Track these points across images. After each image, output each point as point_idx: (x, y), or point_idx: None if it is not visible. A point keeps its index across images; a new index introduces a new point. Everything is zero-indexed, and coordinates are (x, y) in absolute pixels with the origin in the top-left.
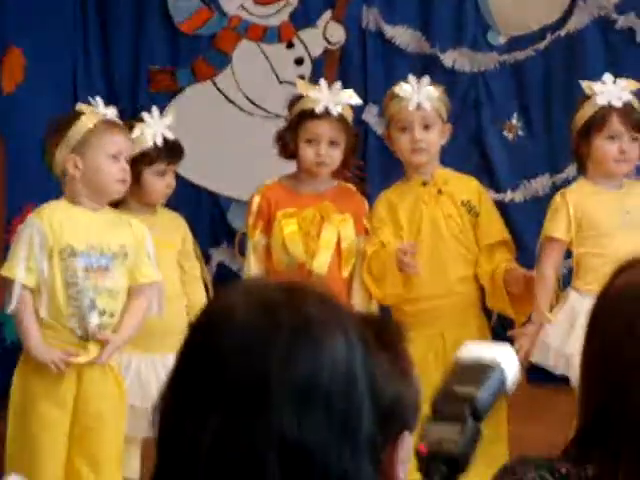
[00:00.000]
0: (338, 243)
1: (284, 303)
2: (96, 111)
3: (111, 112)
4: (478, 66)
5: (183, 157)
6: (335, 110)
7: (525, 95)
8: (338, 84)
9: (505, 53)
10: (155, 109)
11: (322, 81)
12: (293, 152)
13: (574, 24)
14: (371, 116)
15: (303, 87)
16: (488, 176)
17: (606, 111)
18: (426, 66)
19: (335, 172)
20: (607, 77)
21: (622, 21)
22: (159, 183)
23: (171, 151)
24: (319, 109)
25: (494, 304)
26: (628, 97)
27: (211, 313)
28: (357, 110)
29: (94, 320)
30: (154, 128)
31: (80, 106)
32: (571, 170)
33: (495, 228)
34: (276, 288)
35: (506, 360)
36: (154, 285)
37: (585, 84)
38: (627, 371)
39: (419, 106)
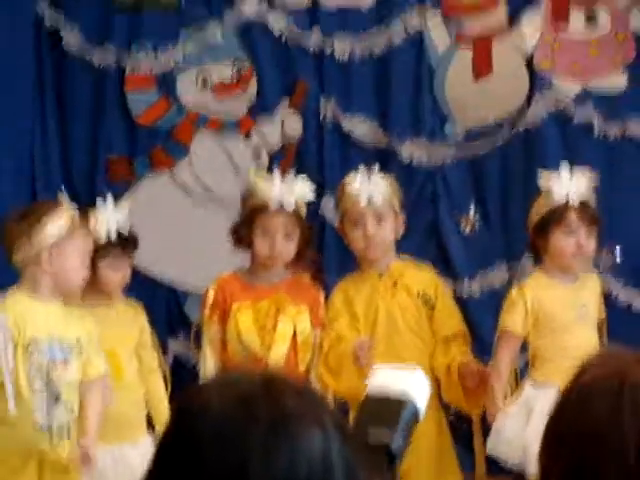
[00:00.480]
0: (294, 335)
1: (261, 396)
2: (69, 208)
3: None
4: (435, 159)
5: (137, 248)
6: (289, 204)
7: (482, 188)
8: (291, 175)
9: (463, 146)
10: (110, 198)
11: (276, 172)
12: (248, 244)
13: (531, 117)
14: (328, 208)
15: (256, 180)
16: (445, 268)
17: (564, 207)
18: (383, 158)
19: (290, 263)
20: (564, 169)
21: (579, 115)
22: (114, 275)
23: (125, 243)
24: (273, 203)
25: (449, 397)
26: (585, 192)
27: (189, 405)
28: (314, 202)
29: (60, 414)
30: (108, 221)
31: (60, 199)
32: (527, 262)
33: (451, 320)
34: (253, 380)
35: (417, 389)
36: (105, 378)
37: (543, 176)
38: (601, 463)
39: (370, 200)
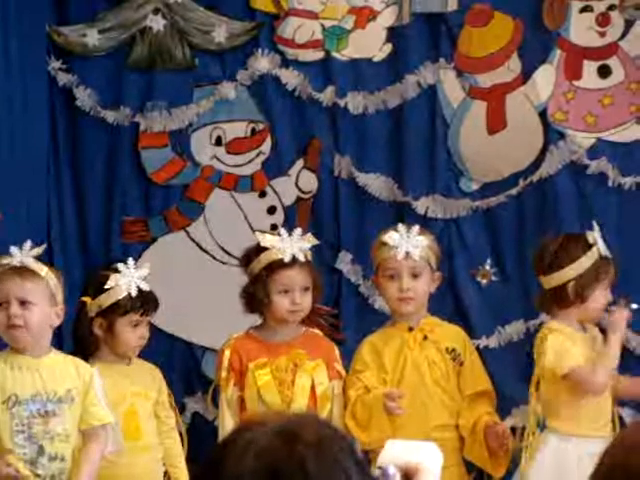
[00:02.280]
0: (312, 389)
1: (285, 465)
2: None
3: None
4: (451, 213)
5: (157, 308)
6: (302, 256)
7: (498, 241)
8: (298, 230)
9: (478, 199)
10: (131, 260)
11: (282, 230)
12: (259, 306)
13: (546, 170)
14: (344, 263)
15: (265, 239)
16: (462, 322)
17: (607, 262)
18: (399, 213)
19: (307, 318)
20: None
21: (594, 166)
22: (132, 334)
23: (145, 302)
24: (288, 258)
25: (473, 456)
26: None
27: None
28: (330, 258)
29: (47, 464)
30: (129, 278)
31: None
32: (545, 315)
33: (478, 378)
34: (274, 445)
35: (430, 461)
36: (107, 426)
37: (590, 234)
38: None
39: (408, 255)
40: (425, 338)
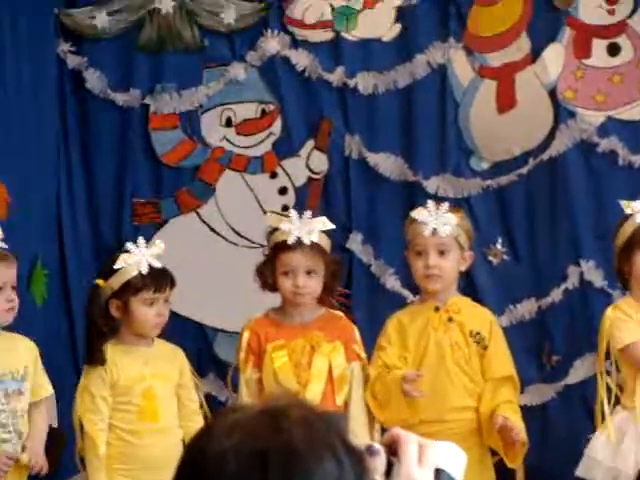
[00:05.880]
0: (330, 372)
1: (272, 443)
2: None
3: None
4: (461, 192)
5: (173, 285)
6: (307, 239)
7: (509, 220)
8: (308, 213)
9: (488, 179)
10: (141, 239)
11: (292, 211)
12: (273, 285)
13: (556, 148)
14: (355, 243)
15: (274, 220)
16: (474, 301)
17: None
18: (410, 192)
19: (320, 299)
20: None
21: (604, 144)
22: (148, 312)
23: (157, 279)
24: (291, 240)
25: (489, 443)
26: None
27: (202, 461)
28: (341, 238)
29: (15, 442)
30: (139, 257)
31: None
32: (556, 294)
33: (502, 363)
34: (260, 423)
35: (450, 460)
36: (50, 397)
37: (624, 204)
38: None
39: (435, 232)
40: (450, 320)
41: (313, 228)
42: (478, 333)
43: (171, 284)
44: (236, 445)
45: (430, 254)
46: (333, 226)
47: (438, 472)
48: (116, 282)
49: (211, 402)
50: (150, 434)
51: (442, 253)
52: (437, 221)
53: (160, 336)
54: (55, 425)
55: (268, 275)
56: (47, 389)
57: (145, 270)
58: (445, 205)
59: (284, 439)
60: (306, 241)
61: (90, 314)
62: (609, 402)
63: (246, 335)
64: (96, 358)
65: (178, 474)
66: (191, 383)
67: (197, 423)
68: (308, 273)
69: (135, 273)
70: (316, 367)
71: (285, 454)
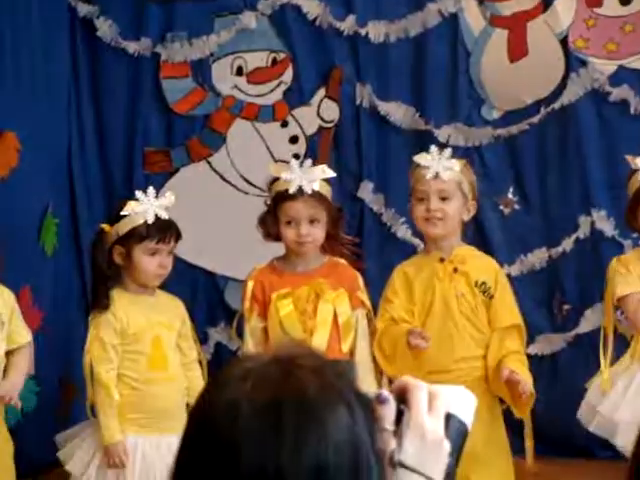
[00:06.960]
0: (335, 319)
1: (285, 392)
2: None
3: None
4: (472, 141)
5: (178, 238)
6: (309, 188)
7: (520, 169)
8: (308, 161)
9: (499, 127)
10: (151, 189)
11: (293, 161)
12: (276, 235)
13: (567, 97)
14: (366, 192)
15: (275, 170)
16: (484, 250)
17: None
18: (421, 142)
19: (330, 248)
20: None
21: (615, 93)
22: (150, 262)
23: (162, 230)
24: (292, 189)
25: (496, 392)
26: None
27: (214, 410)
28: (352, 187)
29: None
30: (147, 206)
31: None
32: (567, 243)
33: (508, 312)
34: (273, 372)
35: (460, 404)
36: (29, 345)
37: (630, 159)
38: None
39: (437, 176)
40: (455, 270)
41: (314, 177)
42: (484, 283)
43: (176, 237)
44: (249, 394)
45: (432, 199)
46: (334, 174)
47: (448, 417)
48: (121, 228)
49: (222, 351)
50: (159, 382)
51: (444, 199)
52: (439, 165)
53: (162, 287)
54: (32, 372)
55: (271, 225)
56: (24, 336)
57: (151, 220)
58: (448, 150)
59: (297, 388)
60: (307, 190)
61: (94, 257)
62: (613, 350)
63: (250, 284)
64: (102, 303)
65: (190, 424)
66: (190, 332)
67: (197, 371)
68: (311, 222)
69: (141, 222)
70: (321, 314)
71: (299, 403)
